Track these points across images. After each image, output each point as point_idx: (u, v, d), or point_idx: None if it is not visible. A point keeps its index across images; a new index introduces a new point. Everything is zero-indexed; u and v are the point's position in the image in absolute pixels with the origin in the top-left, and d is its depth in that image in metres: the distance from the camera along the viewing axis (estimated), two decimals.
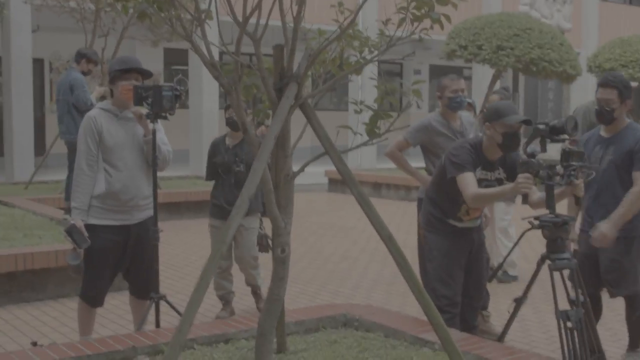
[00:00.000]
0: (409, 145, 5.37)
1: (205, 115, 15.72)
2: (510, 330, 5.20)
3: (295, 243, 9.22)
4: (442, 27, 3.11)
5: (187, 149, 16.14)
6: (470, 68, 22.51)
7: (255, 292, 5.98)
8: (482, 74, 19.14)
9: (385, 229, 3.07)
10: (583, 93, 21.09)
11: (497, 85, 15.12)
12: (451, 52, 15.78)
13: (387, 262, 7.70)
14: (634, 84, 17.02)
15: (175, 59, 19.37)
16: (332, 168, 15.02)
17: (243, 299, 6.28)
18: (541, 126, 4.06)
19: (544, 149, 4.04)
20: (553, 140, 4.06)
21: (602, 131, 4.73)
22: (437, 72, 25.01)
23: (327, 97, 22.01)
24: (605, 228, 4.46)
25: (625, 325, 4.89)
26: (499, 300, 6.10)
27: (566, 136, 4.08)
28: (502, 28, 15.11)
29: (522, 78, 21.81)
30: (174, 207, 10.38)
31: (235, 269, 5.91)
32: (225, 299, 5.86)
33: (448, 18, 3.09)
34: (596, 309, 4.82)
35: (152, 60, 18.41)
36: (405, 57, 3.56)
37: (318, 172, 14.04)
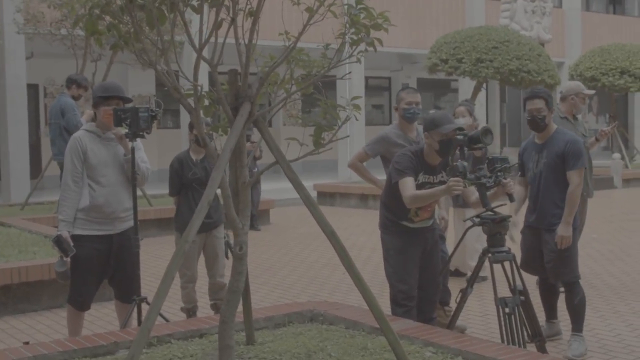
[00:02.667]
0: (369, 157, 5.80)
1: None
2: (473, 323, 5.61)
3: (280, 252, 9.67)
4: (375, 49, 3.56)
5: None
6: (456, 80, 23.00)
7: (218, 308, 5.89)
8: (467, 86, 19.61)
9: (328, 225, 3.51)
10: None
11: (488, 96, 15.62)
12: (433, 65, 16.28)
13: (365, 268, 8.13)
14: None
15: None
16: (320, 182, 15.42)
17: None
18: (460, 137, 4.54)
19: (462, 157, 4.52)
20: (470, 149, 4.56)
21: (536, 139, 5.30)
22: (425, 85, 25.48)
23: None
24: (561, 230, 5.05)
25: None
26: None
27: (481, 145, 4.55)
28: (481, 41, 15.56)
29: (508, 89, 22.31)
30: (165, 223, 10.75)
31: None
32: (193, 311, 6.05)
33: (380, 41, 3.55)
34: (552, 291, 5.41)
35: (144, 83, 18.86)
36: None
37: (307, 187, 14.41)
